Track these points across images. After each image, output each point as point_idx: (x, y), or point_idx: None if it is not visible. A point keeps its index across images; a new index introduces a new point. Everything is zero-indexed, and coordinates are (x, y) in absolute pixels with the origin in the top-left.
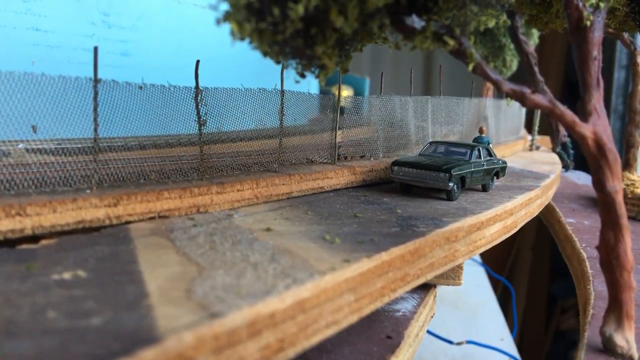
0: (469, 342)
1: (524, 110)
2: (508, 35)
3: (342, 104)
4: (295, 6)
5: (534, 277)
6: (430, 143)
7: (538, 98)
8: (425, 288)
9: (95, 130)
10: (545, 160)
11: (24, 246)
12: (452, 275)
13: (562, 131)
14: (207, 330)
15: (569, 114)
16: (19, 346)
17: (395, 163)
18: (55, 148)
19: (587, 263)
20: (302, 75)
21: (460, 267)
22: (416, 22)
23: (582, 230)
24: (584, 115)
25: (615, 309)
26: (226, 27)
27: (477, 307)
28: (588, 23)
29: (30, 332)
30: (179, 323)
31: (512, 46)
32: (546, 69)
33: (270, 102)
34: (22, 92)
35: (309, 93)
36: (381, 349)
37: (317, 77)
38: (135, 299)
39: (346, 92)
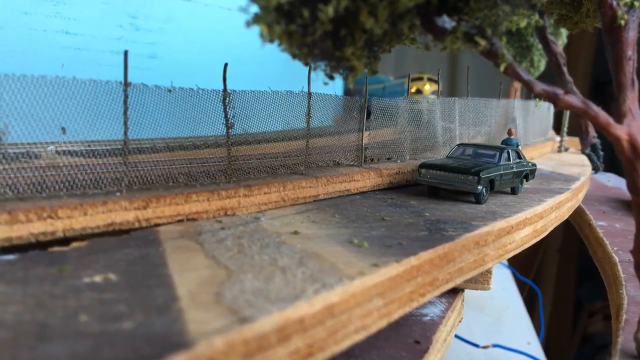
0: (495, 345)
1: (552, 111)
2: (536, 35)
3: (427, 106)
4: (325, 8)
5: (560, 279)
6: (458, 145)
7: (571, 99)
8: (453, 292)
9: (125, 133)
10: (574, 162)
11: (56, 249)
12: (481, 280)
13: (592, 132)
14: (237, 335)
15: (603, 115)
16: (52, 350)
17: (422, 165)
18: (85, 150)
19: (619, 267)
20: (331, 77)
21: (489, 271)
22: (447, 22)
23: (613, 234)
24: (618, 117)
25: None
26: (253, 28)
27: (503, 310)
28: (622, 22)
29: (62, 335)
30: (209, 327)
31: (539, 46)
32: (573, 69)
33: (297, 104)
34: (53, 95)
35: (335, 95)
36: (409, 354)
37: (345, 78)
38: (166, 302)
39: (428, 86)
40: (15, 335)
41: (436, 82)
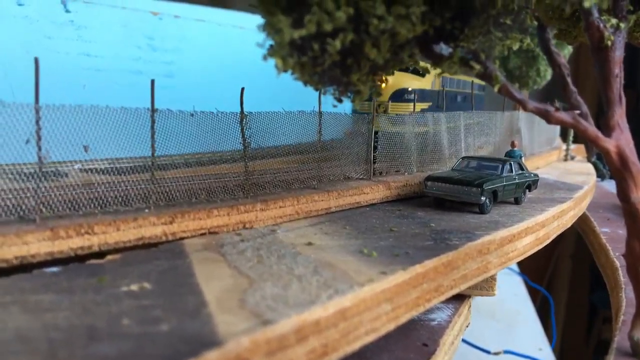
0: (506, 352)
1: None
2: (539, 46)
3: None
4: (333, 42)
5: (574, 286)
6: (463, 158)
7: (562, 115)
8: (460, 298)
9: (153, 154)
10: (579, 170)
11: (93, 261)
12: (486, 286)
13: None
14: (261, 336)
15: (591, 129)
16: (102, 348)
17: (428, 178)
18: (117, 168)
19: (620, 271)
20: (340, 100)
21: (493, 278)
22: (444, 49)
23: (616, 240)
24: (607, 130)
25: None
26: (265, 45)
27: (515, 317)
28: (609, 43)
29: (109, 336)
30: (237, 329)
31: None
32: (583, 79)
33: (309, 123)
34: (89, 122)
35: (345, 114)
36: (418, 356)
37: (352, 101)
38: (196, 307)
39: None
40: (69, 337)
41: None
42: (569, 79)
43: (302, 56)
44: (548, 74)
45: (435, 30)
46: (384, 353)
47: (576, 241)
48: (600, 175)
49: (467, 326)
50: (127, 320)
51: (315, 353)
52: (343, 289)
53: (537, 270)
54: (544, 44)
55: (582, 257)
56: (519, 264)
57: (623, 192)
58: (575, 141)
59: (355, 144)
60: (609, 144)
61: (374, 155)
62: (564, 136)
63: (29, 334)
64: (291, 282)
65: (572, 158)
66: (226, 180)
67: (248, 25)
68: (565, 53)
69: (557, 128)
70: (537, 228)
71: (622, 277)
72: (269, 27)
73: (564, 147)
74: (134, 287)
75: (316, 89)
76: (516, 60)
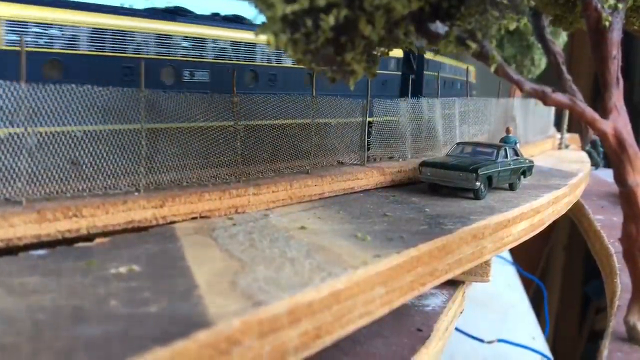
0: (500, 341)
1: (552, 109)
2: (534, 34)
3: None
4: (327, 17)
5: (567, 276)
6: (458, 144)
7: (558, 97)
8: (454, 284)
9: (144, 136)
10: (574, 158)
11: (81, 244)
12: (480, 272)
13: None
14: (253, 317)
15: (588, 111)
16: (88, 330)
17: (423, 164)
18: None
19: (615, 258)
20: (333, 80)
21: (488, 264)
22: (440, 27)
23: (610, 227)
24: (604, 113)
25: (639, 298)
26: None
27: (509, 307)
28: (607, 24)
29: (96, 317)
30: (227, 310)
31: (540, 45)
32: (577, 67)
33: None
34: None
35: (340, 98)
36: (412, 341)
37: (347, 82)
38: (187, 290)
39: None
40: (55, 318)
41: None
42: (563, 67)
43: (294, 32)
44: (543, 62)
45: (431, 7)
46: (378, 338)
47: (570, 232)
48: (595, 164)
49: (461, 312)
50: (115, 302)
51: (308, 335)
52: (336, 272)
53: (530, 261)
54: (538, 32)
55: (575, 248)
56: (513, 254)
57: (620, 176)
58: (569, 130)
59: (350, 130)
60: (606, 126)
61: (367, 141)
62: (558, 125)
63: (14, 315)
64: (284, 265)
65: (567, 146)
66: (219, 168)
67: None
68: (560, 42)
69: (552, 117)
70: (532, 214)
71: (617, 263)
72: (261, 2)
73: (558, 135)
74: (123, 270)
75: (309, 69)
76: (511, 49)
